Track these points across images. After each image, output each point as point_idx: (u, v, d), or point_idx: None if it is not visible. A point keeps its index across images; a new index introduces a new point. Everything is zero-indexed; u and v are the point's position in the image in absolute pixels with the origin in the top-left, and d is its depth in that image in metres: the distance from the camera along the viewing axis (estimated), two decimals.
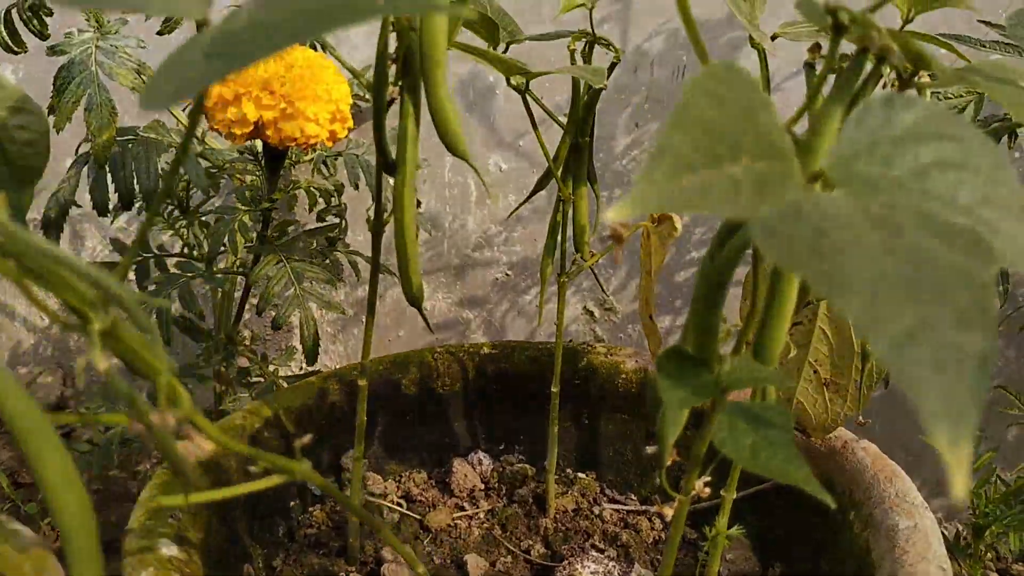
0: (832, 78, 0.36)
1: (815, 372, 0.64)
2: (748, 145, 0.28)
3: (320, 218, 0.91)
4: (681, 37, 0.99)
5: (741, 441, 0.36)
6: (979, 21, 0.80)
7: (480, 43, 0.59)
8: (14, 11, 0.80)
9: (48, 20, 0.81)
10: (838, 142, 0.30)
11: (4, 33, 0.83)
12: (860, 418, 0.61)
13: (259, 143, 0.76)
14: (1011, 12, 0.54)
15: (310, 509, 0.71)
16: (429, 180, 1.11)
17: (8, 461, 1.20)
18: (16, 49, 0.83)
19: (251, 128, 0.67)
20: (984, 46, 0.64)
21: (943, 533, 0.81)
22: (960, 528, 0.84)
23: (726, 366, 0.38)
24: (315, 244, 0.84)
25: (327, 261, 0.82)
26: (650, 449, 0.44)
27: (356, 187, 0.87)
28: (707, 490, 0.45)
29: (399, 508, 0.73)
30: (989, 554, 0.84)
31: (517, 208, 0.74)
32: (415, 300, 0.57)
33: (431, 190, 1.11)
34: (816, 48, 0.52)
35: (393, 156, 0.53)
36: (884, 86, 0.45)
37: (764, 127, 0.29)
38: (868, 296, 0.23)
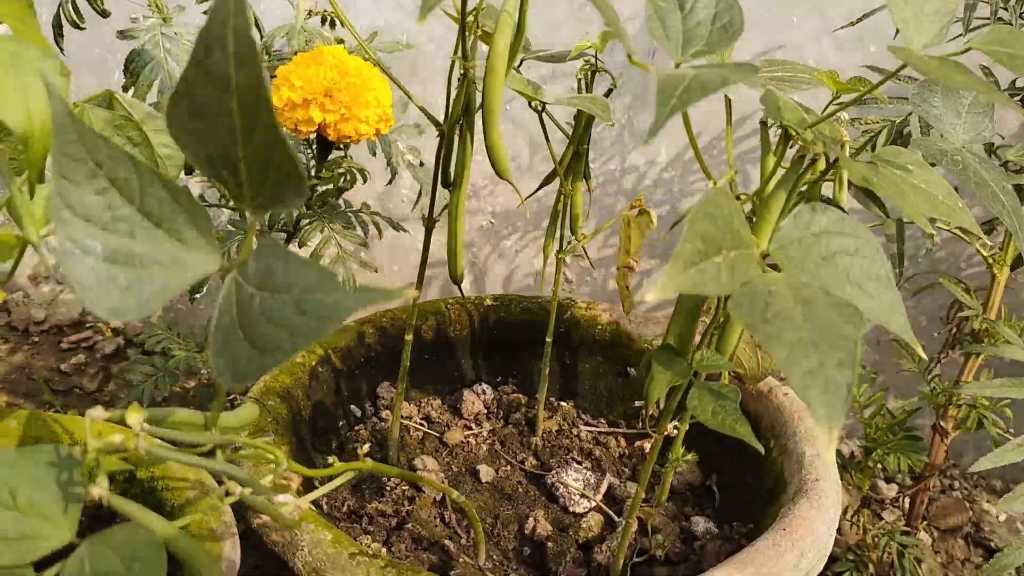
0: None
1: (752, 336, 0.84)
2: (727, 242, 0.47)
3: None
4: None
5: (706, 407, 0.56)
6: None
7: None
8: None
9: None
10: (779, 232, 0.49)
11: (71, 10, 0.97)
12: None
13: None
14: (916, 85, 0.73)
15: (355, 428, 0.91)
16: (428, 133, 1.28)
17: (46, 372, 1.35)
18: (81, 25, 0.97)
19: (315, 127, 0.83)
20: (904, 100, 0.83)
21: (841, 451, 1.05)
22: (855, 448, 1.07)
23: (697, 357, 0.58)
24: (332, 198, 1.01)
25: (356, 223, 0.99)
26: (637, 403, 0.64)
27: (373, 154, 1.03)
28: (675, 430, 0.66)
29: (423, 427, 0.93)
30: (878, 466, 1.07)
31: (528, 197, 0.92)
32: (457, 280, 0.75)
33: (429, 142, 1.27)
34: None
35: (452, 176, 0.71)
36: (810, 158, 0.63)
37: (736, 228, 0.48)
38: (790, 348, 0.42)
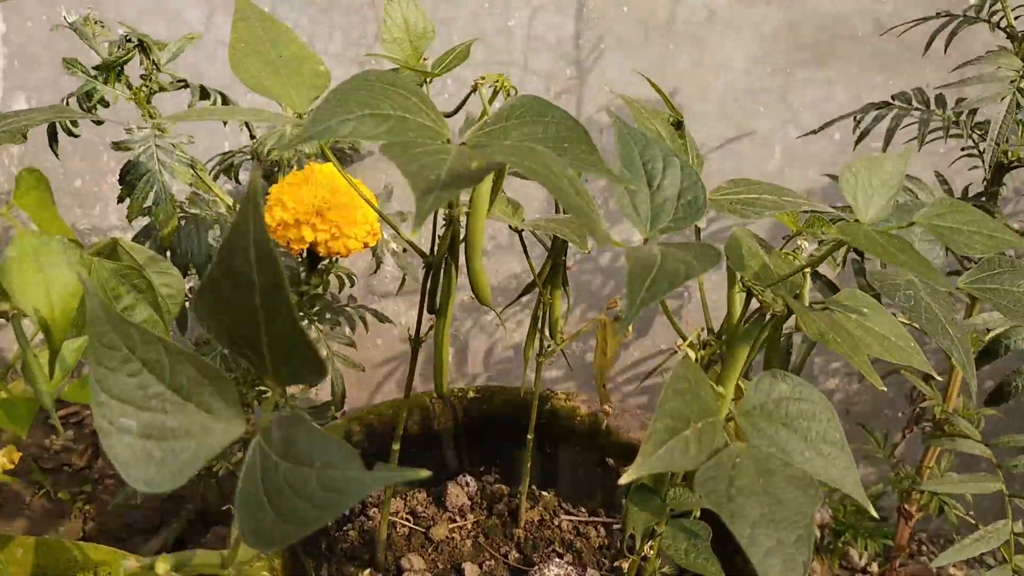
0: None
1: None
2: (695, 414, 0.51)
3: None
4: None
5: (679, 546, 0.60)
6: None
7: None
8: (71, 99, 0.96)
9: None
10: (744, 400, 0.53)
11: (68, 123, 1.00)
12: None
13: None
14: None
15: (344, 527, 0.94)
16: (407, 206, 1.31)
17: (34, 449, 1.37)
18: (75, 134, 1.00)
19: (307, 245, 0.86)
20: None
21: None
22: (824, 531, 1.11)
23: (671, 496, 0.62)
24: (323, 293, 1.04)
25: (342, 318, 1.03)
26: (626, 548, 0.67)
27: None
28: (652, 551, 0.70)
29: (409, 522, 0.96)
30: (847, 550, 1.12)
31: (508, 306, 0.96)
32: (442, 395, 0.79)
33: (409, 226, 1.31)
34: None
35: (437, 304, 0.75)
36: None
37: (703, 397, 0.52)
38: (752, 527, 0.46)
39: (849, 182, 0.57)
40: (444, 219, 0.72)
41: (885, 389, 0.59)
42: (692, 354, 0.62)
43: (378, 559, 0.90)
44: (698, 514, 0.72)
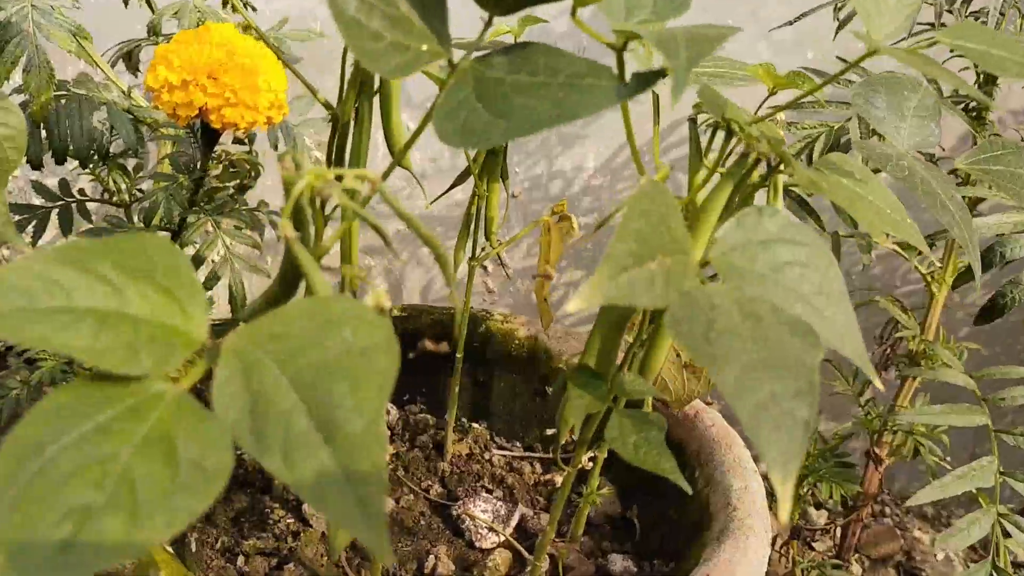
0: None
1: (678, 355, 0.77)
2: (662, 246, 0.39)
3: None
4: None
5: (628, 439, 0.48)
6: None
7: None
8: None
9: None
10: (722, 238, 0.42)
11: None
12: (708, 398, 0.75)
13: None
14: (857, 83, 0.67)
15: (238, 450, 0.80)
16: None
17: None
18: None
19: (196, 112, 0.73)
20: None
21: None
22: None
23: (618, 380, 0.50)
24: (231, 190, 0.91)
25: (251, 223, 0.89)
26: (549, 431, 0.56)
27: (275, 147, 0.94)
28: (590, 464, 0.58)
29: None
30: (809, 494, 1.01)
31: (436, 200, 0.84)
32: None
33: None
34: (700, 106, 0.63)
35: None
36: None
37: (673, 228, 0.40)
38: (738, 375, 0.34)
39: None
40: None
41: (889, 244, 0.48)
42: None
43: (276, 486, 0.77)
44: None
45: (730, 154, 0.49)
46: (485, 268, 1.27)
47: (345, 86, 0.59)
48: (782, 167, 0.50)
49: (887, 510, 1.21)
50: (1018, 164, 0.63)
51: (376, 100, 0.61)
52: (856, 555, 1.09)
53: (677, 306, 0.37)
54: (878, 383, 0.41)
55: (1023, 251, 0.72)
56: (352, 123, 0.61)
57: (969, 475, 0.76)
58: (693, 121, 0.63)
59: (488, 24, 0.43)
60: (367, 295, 0.42)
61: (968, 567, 1.00)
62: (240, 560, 0.71)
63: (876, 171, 0.71)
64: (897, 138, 0.64)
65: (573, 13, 0.42)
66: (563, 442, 0.56)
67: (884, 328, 1.03)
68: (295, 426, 0.30)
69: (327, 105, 0.62)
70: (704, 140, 0.59)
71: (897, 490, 1.26)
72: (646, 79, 0.38)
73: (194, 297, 0.34)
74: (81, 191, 1.00)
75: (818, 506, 1.18)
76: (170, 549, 0.58)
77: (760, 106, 0.74)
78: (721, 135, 0.52)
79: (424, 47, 0.40)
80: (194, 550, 0.70)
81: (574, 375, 0.49)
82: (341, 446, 0.29)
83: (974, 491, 0.81)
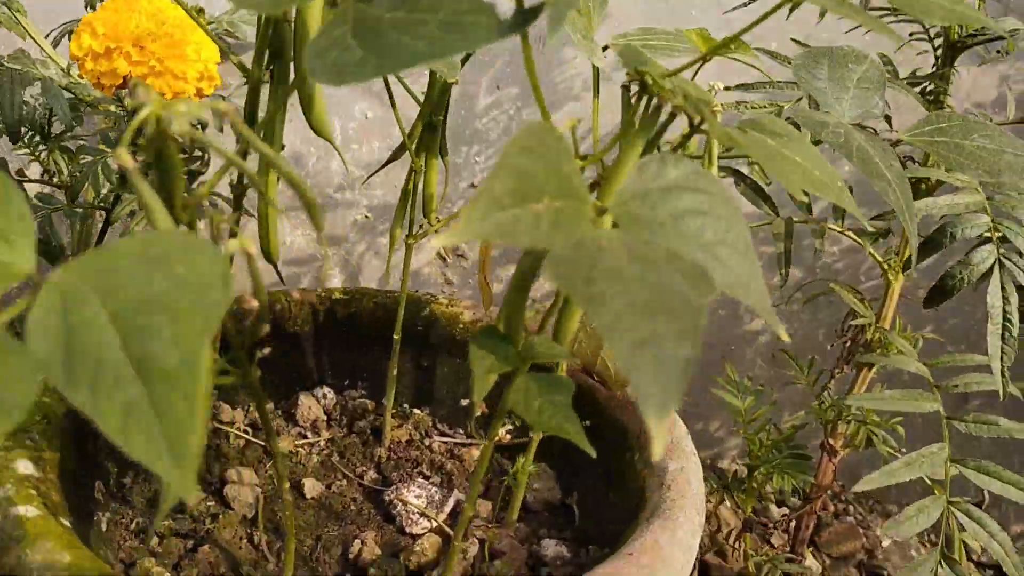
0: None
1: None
2: (551, 188, 0.37)
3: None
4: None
5: (531, 403, 0.46)
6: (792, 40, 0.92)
7: None
8: None
9: None
10: (621, 187, 0.39)
11: None
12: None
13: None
14: (798, 54, 0.65)
15: None
16: (295, 119, 1.15)
17: None
18: None
19: (120, 81, 0.70)
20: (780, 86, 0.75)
21: (724, 470, 0.96)
22: (735, 475, 0.98)
23: (528, 342, 0.47)
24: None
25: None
26: (464, 402, 0.53)
27: (221, 129, 0.91)
28: (508, 436, 0.55)
29: (246, 435, 0.80)
30: (764, 487, 0.98)
31: (372, 175, 0.81)
32: (272, 260, 0.64)
33: (296, 131, 1.15)
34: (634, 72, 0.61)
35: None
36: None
37: (565, 173, 0.38)
38: (616, 314, 0.32)
39: None
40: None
41: (807, 200, 0.45)
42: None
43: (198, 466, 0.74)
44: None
45: (656, 108, 0.46)
46: (444, 259, 1.24)
47: (257, 44, 0.57)
48: (703, 127, 0.48)
49: (850, 508, 1.19)
50: (963, 135, 0.61)
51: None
52: (812, 550, 1.06)
53: (560, 249, 0.34)
54: (783, 335, 0.39)
55: (974, 231, 0.70)
56: (270, 87, 0.59)
57: (918, 462, 0.74)
58: (626, 88, 0.61)
59: None
60: (228, 241, 0.39)
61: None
62: (154, 541, 0.68)
63: (817, 143, 0.69)
64: (838, 109, 0.62)
65: None
66: (478, 413, 0.54)
67: (844, 321, 1.01)
68: (107, 359, 0.27)
69: (241, 67, 0.59)
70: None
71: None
72: (525, 16, 0.36)
73: (22, 228, 0.32)
74: (20, 172, 0.98)
75: (780, 504, 1.15)
76: (67, 523, 0.55)
77: (696, 70, 0.71)
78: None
79: None
80: (104, 529, 0.67)
81: (479, 337, 0.47)
82: (153, 380, 0.27)
83: (929, 482, 0.79)
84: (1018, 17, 0.81)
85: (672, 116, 0.46)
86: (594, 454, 0.44)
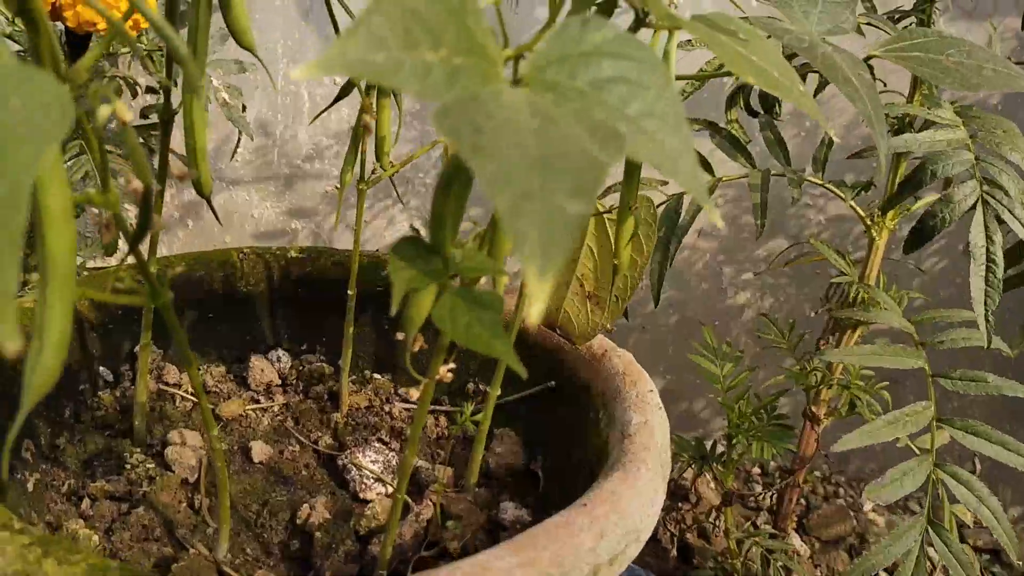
0: None
1: (581, 285, 0.70)
2: (449, 40, 0.32)
3: (144, 115, 0.91)
4: None
5: (458, 320, 0.41)
6: None
7: None
8: None
9: None
10: (536, 51, 0.35)
11: None
12: (609, 325, 0.69)
13: (60, 26, 0.76)
14: None
15: (100, 393, 0.73)
16: (261, 87, 1.12)
17: None
18: None
19: (48, 9, 0.67)
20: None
21: (703, 441, 0.91)
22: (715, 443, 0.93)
23: (456, 255, 0.43)
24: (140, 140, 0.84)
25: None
26: (399, 335, 0.49)
27: (175, 84, 0.87)
28: (450, 375, 0.51)
29: (192, 398, 0.76)
30: (743, 458, 0.93)
31: (320, 114, 0.77)
32: (203, 195, 0.60)
33: (263, 97, 1.12)
34: None
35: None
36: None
37: (470, 29, 0.33)
38: (502, 163, 0.28)
39: None
40: None
41: (749, 82, 0.41)
42: None
43: (137, 428, 0.69)
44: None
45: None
46: (418, 231, 1.20)
47: None
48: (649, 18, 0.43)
49: (840, 491, 1.14)
50: (939, 51, 0.56)
51: None
52: (800, 532, 1.01)
53: (452, 101, 0.30)
54: (718, 221, 0.35)
55: (955, 168, 0.66)
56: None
57: (901, 420, 0.69)
58: None
59: None
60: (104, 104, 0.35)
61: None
62: (85, 503, 0.63)
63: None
64: (806, 23, 0.58)
65: None
66: (415, 349, 0.49)
67: (829, 288, 0.96)
68: None
69: None
70: None
71: (852, 472, 1.18)
72: None
73: None
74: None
75: (767, 487, 1.10)
76: None
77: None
78: None
79: None
80: (31, 490, 0.63)
81: (400, 245, 0.42)
82: None
83: (916, 451, 0.74)
84: None
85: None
86: (525, 373, 0.39)
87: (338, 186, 1.08)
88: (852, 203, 0.80)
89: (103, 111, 0.34)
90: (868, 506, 1.02)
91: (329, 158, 1.16)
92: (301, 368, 0.82)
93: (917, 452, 0.73)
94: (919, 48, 0.57)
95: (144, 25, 0.69)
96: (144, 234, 0.41)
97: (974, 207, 0.64)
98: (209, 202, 0.61)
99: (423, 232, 1.20)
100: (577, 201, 0.27)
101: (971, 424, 0.70)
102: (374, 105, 0.70)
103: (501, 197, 0.27)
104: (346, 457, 0.72)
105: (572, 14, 0.45)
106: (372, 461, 0.72)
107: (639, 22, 0.46)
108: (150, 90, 0.91)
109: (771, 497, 0.97)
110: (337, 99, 0.72)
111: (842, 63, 0.51)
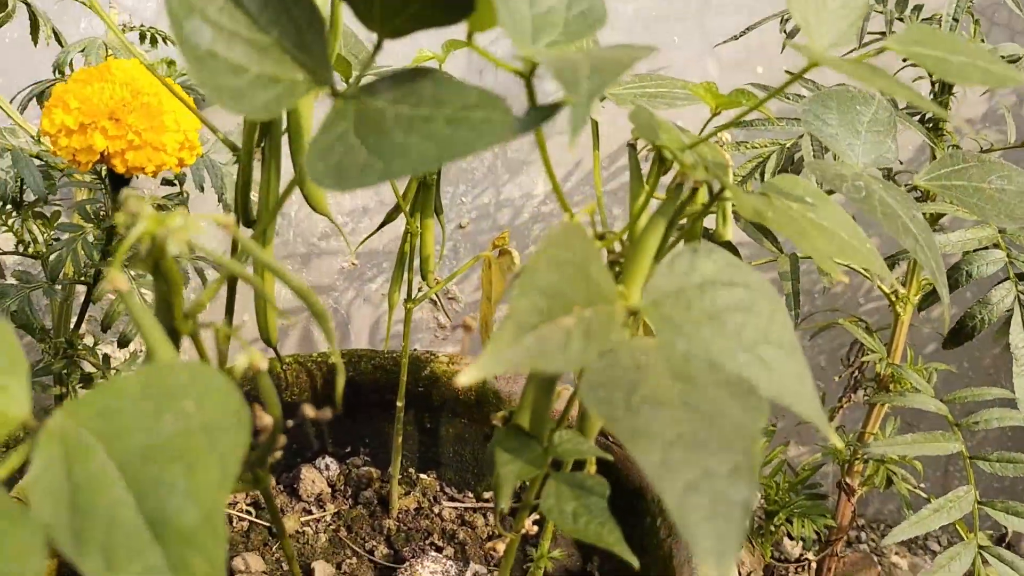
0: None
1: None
2: (580, 296, 0.34)
3: None
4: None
5: (565, 508, 0.43)
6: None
7: None
8: None
9: None
10: (651, 284, 0.37)
11: None
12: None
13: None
14: (807, 99, 0.62)
15: None
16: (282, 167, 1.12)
17: None
18: None
19: (97, 157, 0.67)
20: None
21: None
22: (754, 516, 0.96)
23: (555, 441, 0.45)
24: None
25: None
26: (487, 494, 0.50)
27: (201, 189, 0.88)
28: (535, 528, 0.53)
29: (248, 516, 0.77)
30: (781, 529, 0.96)
31: (366, 239, 0.78)
32: (270, 343, 0.61)
33: (279, 179, 1.12)
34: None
35: (254, 213, 0.56)
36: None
37: (593, 276, 0.35)
38: (664, 451, 0.29)
39: (799, 2, 0.41)
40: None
41: (847, 280, 0.43)
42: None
43: None
44: (593, 470, 0.56)
45: (677, 185, 0.44)
46: (435, 302, 1.22)
47: (243, 122, 0.54)
48: (725, 194, 0.45)
49: (863, 535, 1.16)
50: (980, 178, 0.59)
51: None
52: None
53: (594, 368, 0.32)
54: (838, 442, 0.36)
55: (989, 269, 0.68)
56: (261, 164, 0.56)
57: (946, 507, 0.72)
58: (632, 147, 0.58)
59: (378, 48, 0.37)
60: (240, 356, 0.36)
61: None
62: None
63: (830, 192, 0.67)
64: (851, 156, 0.59)
65: (469, 38, 0.37)
66: (505, 509, 0.51)
67: (850, 349, 0.99)
68: (120, 520, 0.24)
69: (230, 144, 0.56)
70: (646, 167, 0.54)
71: (871, 514, 1.21)
72: (544, 112, 0.33)
73: (14, 368, 0.29)
74: None
75: (790, 536, 1.13)
76: None
77: (705, 125, 0.70)
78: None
79: (299, 77, 0.35)
80: None
81: (504, 439, 0.44)
82: (172, 543, 0.24)
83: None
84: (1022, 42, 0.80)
85: (694, 191, 0.44)
86: (636, 564, 0.41)
87: (384, 295, 1.08)
88: (879, 283, 0.82)
89: (240, 364, 0.36)
90: (904, 566, 1.05)
91: (345, 234, 1.17)
92: (348, 474, 0.83)
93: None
94: (961, 176, 0.59)
95: (191, 163, 0.69)
96: (267, 458, 0.42)
97: (1011, 308, 0.67)
98: (276, 351, 0.62)
99: (440, 302, 1.21)
100: (739, 483, 0.29)
101: (1012, 505, 0.73)
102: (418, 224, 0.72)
103: (668, 487, 0.28)
104: (406, 570, 0.73)
105: (636, 197, 0.47)
106: (432, 572, 0.73)
107: (713, 198, 0.48)
108: None
109: (809, 567, 1.00)
110: (383, 224, 0.73)
111: (899, 209, 0.53)
